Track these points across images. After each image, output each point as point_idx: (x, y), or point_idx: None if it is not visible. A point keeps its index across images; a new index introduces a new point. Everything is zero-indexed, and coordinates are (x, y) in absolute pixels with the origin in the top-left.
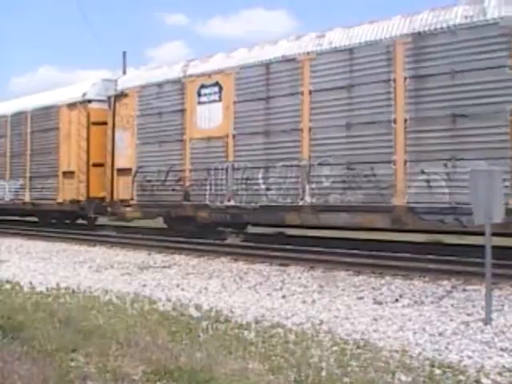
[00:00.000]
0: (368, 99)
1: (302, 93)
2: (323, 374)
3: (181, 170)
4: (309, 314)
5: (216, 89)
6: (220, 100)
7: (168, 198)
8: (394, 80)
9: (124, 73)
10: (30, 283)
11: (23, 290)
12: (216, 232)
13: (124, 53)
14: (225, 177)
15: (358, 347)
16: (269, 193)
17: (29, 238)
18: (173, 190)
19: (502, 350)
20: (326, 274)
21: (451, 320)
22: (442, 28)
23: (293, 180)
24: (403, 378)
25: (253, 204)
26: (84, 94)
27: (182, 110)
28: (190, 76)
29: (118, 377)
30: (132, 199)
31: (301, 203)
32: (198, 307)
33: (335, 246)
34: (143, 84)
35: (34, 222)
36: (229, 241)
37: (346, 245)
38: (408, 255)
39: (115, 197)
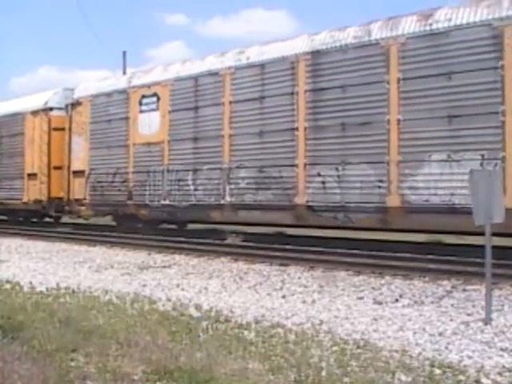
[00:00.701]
0: (276, 109)
1: (223, 103)
2: (323, 373)
3: (125, 173)
4: (309, 313)
5: (154, 99)
6: (158, 109)
7: (115, 197)
8: (297, 93)
9: (124, 73)
10: (30, 283)
11: (23, 290)
12: (217, 232)
13: (124, 53)
14: (161, 178)
15: (358, 347)
16: (197, 193)
17: (29, 238)
18: (119, 190)
19: (502, 349)
20: (325, 273)
21: (451, 320)
22: (335, 47)
23: (216, 181)
24: (403, 377)
25: (184, 203)
26: (46, 103)
27: (127, 118)
28: (134, 87)
29: (117, 377)
30: (85, 199)
31: (222, 202)
32: (198, 307)
33: (335, 246)
34: (95, 93)
35: (33, 222)
36: (229, 241)
37: (346, 245)
38: (408, 255)
39: (71, 197)
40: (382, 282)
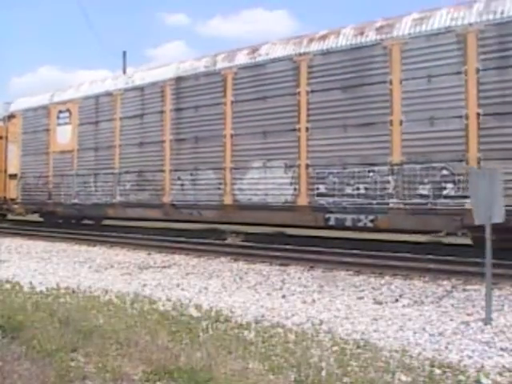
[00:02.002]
0: (151, 125)
1: (115, 119)
2: (323, 373)
3: (46, 176)
4: (309, 313)
5: (68, 114)
6: (70, 123)
7: (39, 197)
8: (165, 111)
9: (124, 73)
10: (30, 283)
11: (23, 290)
12: (217, 232)
13: (124, 53)
14: (72, 181)
15: (358, 347)
16: (97, 193)
17: (29, 238)
18: (42, 191)
19: (501, 349)
20: (325, 273)
21: (451, 320)
22: (192, 74)
23: (110, 184)
24: (403, 377)
25: (88, 201)
26: None
27: (48, 130)
28: (54, 103)
29: (117, 377)
30: (18, 198)
31: (114, 201)
32: (198, 307)
33: (335, 246)
34: (26, 108)
35: (34, 222)
36: (229, 241)
37: (346, 245)
38: (408, 255)
39: (8, 196)
40: (382, 282)
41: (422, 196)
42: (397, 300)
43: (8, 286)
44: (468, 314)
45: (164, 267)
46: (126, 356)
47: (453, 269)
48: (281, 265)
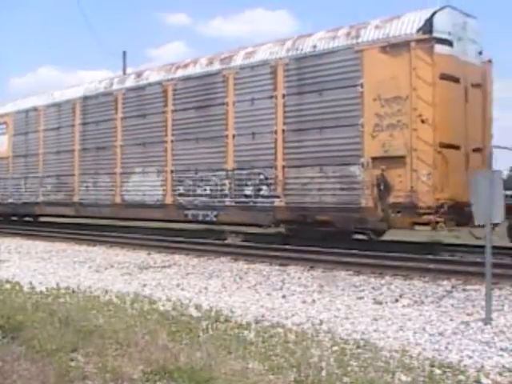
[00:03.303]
0: (65, 136)
1: (39, 130)
2: (323, 373)
3: None
4: (309, 313)
5: (4, 126)
6: (6, 133)
7: None
8: (75, 125)
9: (124, 73)
10: (30, 283)
11: (23, 290)
12: (217, 232)
13: (124, 53)
14: (8, 183)
15: (358, 347)
16: (25, 194)
17: (29, 238)
18: None
19: (501, 349)
20: (326, 273)
21: (451, 320)
22: (94, 94)
23: (35, 186)
24: (403, 377)
25: (19, 201)
26: None
27: None
28: None
29: (117, 377)
30: None
31: (38, 200)
32: (198, 307)
33: (335, 246)
34: None
35: (34, 222)
36: (229, 241)
37: (346, 245)
38: (408, 255)
39: None
40: (382, 282)
41: (246, 196)
42: (397, 300)
43: (8, 286)
44: (468, 314)
45: (164, 267)
46: (125, 356)
47: (453, 269)
48: (281, 265)
